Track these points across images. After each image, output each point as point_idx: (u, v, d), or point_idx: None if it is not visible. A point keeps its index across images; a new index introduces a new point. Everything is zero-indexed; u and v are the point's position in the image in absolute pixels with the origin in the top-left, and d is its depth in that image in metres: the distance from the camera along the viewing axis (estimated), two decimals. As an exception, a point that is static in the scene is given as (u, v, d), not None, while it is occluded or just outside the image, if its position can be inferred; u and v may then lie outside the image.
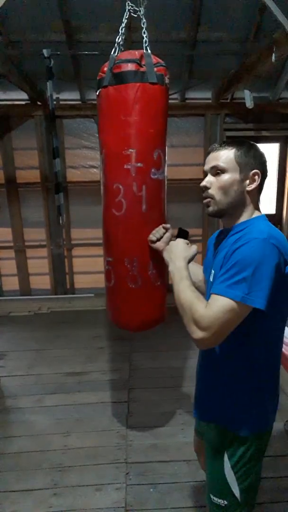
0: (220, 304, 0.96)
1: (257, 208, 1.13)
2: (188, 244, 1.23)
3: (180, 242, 1.23)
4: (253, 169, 1.10)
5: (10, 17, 2.88)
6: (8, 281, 4.30)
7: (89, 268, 4.29)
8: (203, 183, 1.13)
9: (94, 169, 4.06)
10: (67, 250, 4.25)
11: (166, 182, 1.84)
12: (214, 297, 0.98)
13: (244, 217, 1.11)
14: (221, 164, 1.09)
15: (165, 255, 1.25)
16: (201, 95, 3.88)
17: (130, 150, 1.67)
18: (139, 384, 2.74)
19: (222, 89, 3.56)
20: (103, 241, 1.93)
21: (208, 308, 0.98)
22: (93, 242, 4.19)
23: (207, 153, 1.15)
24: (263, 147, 1.08)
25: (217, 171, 1.10)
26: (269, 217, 1.11)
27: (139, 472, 2.00)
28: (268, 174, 1.14)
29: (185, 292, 1.05)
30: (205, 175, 1.15)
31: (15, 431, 2.32)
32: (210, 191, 1.11)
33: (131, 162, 1.69)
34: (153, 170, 1.74)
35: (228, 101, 3.93)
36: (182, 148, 3.99)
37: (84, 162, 4.04)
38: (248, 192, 1.10)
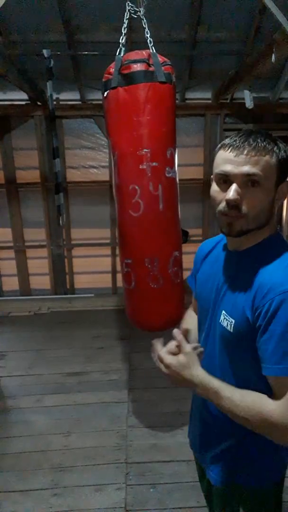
0: None
1: (273, 222, 0.90)
2: (178, 353, 0.92)
3: (173, 360, 0.91)
4: (286, 178, 0.86)
5: (10, 17, 2.87)
6: (8, 281, 4.30)
7: (89, 268, 4.29)
8: (233, 195, 0.80)
9: (94, 169, 4.06)
10: (67, 250, 4.24)
11: (178, 179, 1.84)
12: (278, 381, 0.78)
13: (259, 238, 0.88)
14: (261, 173, 0.80)
15: (175, 382, 0.92)
16: (201, 95, 3.88)
17: (145, 150, 1.68)
18: (139, 384, 2.74)
19: (222, 89, 3.56)
20: (119, 244, 1.93)
21: (283, 401, 0.77)
22: (93, 242, 4.19)
23: (226, 146, 0.83)
24: None
25: (254, 181, 0.81)
26: None
27: (139, 472, 2.00)
28: None
29: (235, 405, 0.82)
30: (222, 179, 0.84)
31: (15, 431, 2.32)
32: (243, 207, 0.82)
33: (147, 162, 1.69)
34: (167, 168, 1.75)
35: (228, 101, 3.93)
36: (182, 148, 3.97)
37: (84, 162, 4.04)
38: (274, 208, 0.87)
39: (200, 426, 1.06)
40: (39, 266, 4.24)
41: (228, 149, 0.82)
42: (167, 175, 1.74)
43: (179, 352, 0.91)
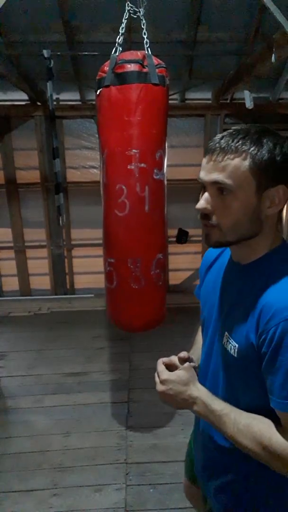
0: None
1: (277, 233, 0.79)
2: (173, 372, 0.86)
3: (171, 376, 0.85)
4: (279, 183, 0.73)
5: (10, 17, 2.88)
6: (8, 281, 4.30)
7: (89, 268, 4.29)
8: (200, 205, 0.76)
9: (94, 169, 4.06)
10: (67, 250, 4.24)
11: (166, 182, 1.85)
12: (286, 417, 0.71)
13: (261, 250, 0.79)
14: (228, 181, 0.71)
15: (170, 402, 0.87)
16: (201, 95, 3.87)
17: (134, 150, 1.68)
18: (139, 384, 2.73)
19: (222, 90, 3.56)
20: (103, 242, 1.93)
21: None
22: (93, 242, 4.19)
23: (205, 151, 0.77)
24: None
25: (222, 189, 0.73)
26: None
27: (139, 472, 2.00)
28: None
29: (239, 432, 0.75)
30: (202, 186, 0.77)
31: (15, 431, 2.32)
32: (213, 218, 0.76)
33: (135, 162, 1.69)
34: (155, 170, 1.74)
35: (228, 101, 3.93)
36: (182, 148, 3.99)
37: (84, 163, 4.04)
38: (268, 216, 0.75)
39: (203, 455, 0.98)
40: (39, 266, 4.24)
41: (205, 153, 0.76)
42: (155, 177, 1.74)
43: (176, 368, 0.86)
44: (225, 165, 0.71)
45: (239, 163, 0.71)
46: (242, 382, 0.80)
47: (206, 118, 3.91)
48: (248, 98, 3.08)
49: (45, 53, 2.89)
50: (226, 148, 0.72)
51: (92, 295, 4.27)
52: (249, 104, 3.09)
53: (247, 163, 0.71)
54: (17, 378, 2.88)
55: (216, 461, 0.92)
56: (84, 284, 4.34)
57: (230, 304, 0.83)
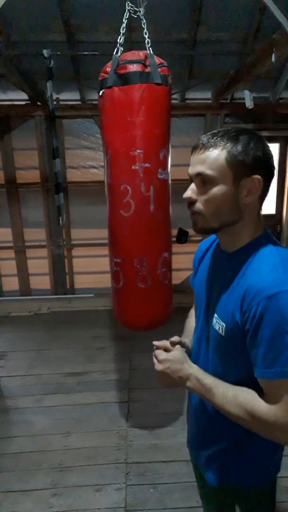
0: (284, 391, 0.77)
1: (258, 224, 0.87)
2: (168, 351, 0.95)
3: (168, 355, 0.94)
4: (253, 173, 0.81)
5: (10, 17, 2.88)
6: (8, 281, 4.30)
7: (89, 268, 4.29)
8: (186, 194, 0.85)
9: (94, 169, 4.06)
10: (67, 250, 4.25)
11: (170, 181, 1.85)
12: (270, 384, 0.79)
13: (244, 238, 0.87)
14: (208, 172, 0.81)
15: (166, 381, 0.94)
16: (201, 95, 3.88)
17: (138, 150, 1.68)
18: (139, 384, 2.73)
19: (222, 89, 3.56)
20: (109, 242, 1.93)
21: (273, 404, 0.78)
22: (93, 242, 4.19)
23: (191, 149, 0.87)
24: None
25: (203, 179, 0.83)
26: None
27: (139, 472, 2.00)
28: (274, 172, 0.87)
29: (227, 402, 0.84)
30: (190, 180, 0.87)
31: (15, 431, 2.32)
32: (196, 205, 0.85)
33: (139, 162, 1.69)
34: (160, 170, 1.75)
35: (228, 101, 3.93)
36: (182, 148, 3.98)
37: (84, 162, 4.04)
38: (246, 205, 0.84)
39: (196, 426, 1.06)
40: (39, 266, 4.24)
41: (192, 150, 0.87)
42: (159, 176, 1.75)
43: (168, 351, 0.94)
44: (205, 158, 0.82)
45: (217, 155, 0.81)
46: (230, 359, 0.88)
47: (206, 118, 3.91)
48: (248, 98, 3.08)
49: (45, 53, 2.89)
50: (206, 143, 0.83)
51: (92, 295, 4.27)
52: (249, 104, 3.09)
53: (223, 155, 0.81)
54: (17, 378, 2.88)
55: (207, 431, 1.01)
56: (84, 284, 4.34)
57: (219, 289, 0.91)
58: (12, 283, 4.29)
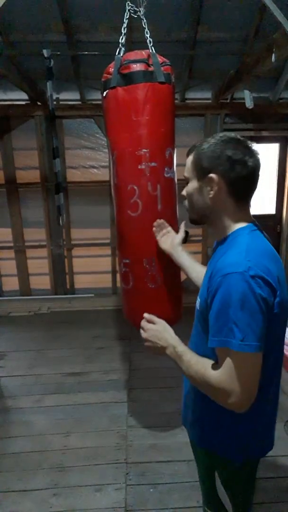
0: (225, 358, 0.87)
1: (237, 217, 0.97)
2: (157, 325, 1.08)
3: (152, 326, 1.07)
4: (209, 173, 0.94)
5: (10, 17, 2.88)
6: (8, 281, 4.30)
7: (89, 268, 4.29)
8: (182, 192, 1.08)
9: (94, 169, 4.06)
10: (67, 250, 4.25)
11: (176, 180, 1.85)
12: (217, 352, 0.91)
13: (225, 229, 0.98)
14: (185, 174, 1.03)
15: (151, 349, 1.07)
16: (201, 95, 3.88)
17: (144, 150, 1.68)
18: (139, 384, 2.74)
19: (222, 89, 3.56)
20: (117, 244, 1.93)
21: (219, 369, 0.89)
22: (93, 242, 4.19)
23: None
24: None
25: (186, 181, 1.04)
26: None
27: (139, 472, 2.00)
28: (243, 174, 0.93)
29: (190, 367, 0.96)
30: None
31: (15, 431, 2.32)
32: (185, 201, 1.07)
33: (145, 162, 1.69)
34: (166, 169, 1.75)
35: (228, 101, 3.93)
36: (182, 148, 3.96)
37: (84, 162, 4.04)
38: (212, 200, 0.96)
39: (185, 387, 1.20)
40: (39, 266, 4.24)
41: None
42: (165, 175, 1.75)
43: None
44: (187, 162, 1.02)
45: (189, 159, 1.01)
46: (201, 332, 1.01)
47: (206, 117, 3.91)
48: (248, 98, 3.08)
49: (45, 53, 2.89)
50: (189, 150, 1.03)
51: (92, 295, 4.27)
52: (249, 104, 3.09)
53: (191, 159, 1.00)
54: (17, 378, 2.88)
55: (189, 395, 1.16)
56: (84, 284, 4.34)
57: (206, 272, 1.03)
58: (12, 283, 4.29)
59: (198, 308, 1.02)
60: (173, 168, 1.81)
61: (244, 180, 0.94)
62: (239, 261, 0.87)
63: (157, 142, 1.70)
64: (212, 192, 0.96)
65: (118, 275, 4.16)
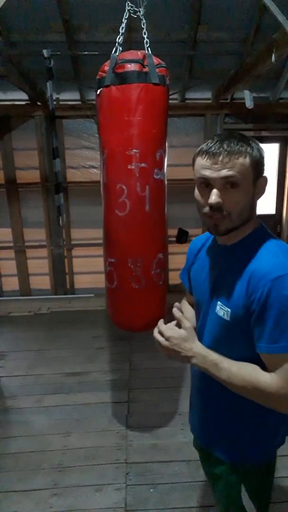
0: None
1: (255, 217, 0.97)
2: (172, 328, 1.01)
3: (174, 333, 0.99)
4: (263, 174, 0.93)
5: (10, 17, 2.88)
6: (8, 281, 4.30)
7: (89, 268, 4.29)
8: (215, 199, 0.87)
9: (94, 169, 4.06)
10: (67, 250, 4.25)
11: (166, 182, 1.84)
12: (275, 358, 0.86)
13: (246, 231, 0.95)
14: (238, 175, 0.86)
15: (172, 355, 0.99)
16: (201, 95, 3.88)
17: (134, 150, 1.68)
18: (139, 384, 2.73)
19: (222, 89, 3.56)
20: (104, 242, 1.93)
21: (276, 375, 0.85)
22: (93, 242, 4.19)
23: (203, 153, 0.90)
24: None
25: (232, 183, 0.87)
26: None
27: (139, 472, 2.00)
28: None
29: (232, 375, 0.90)
30: (203, 184, 0.90)
31: (15, 431, 2.32)
32: (225, 208, 0.88)
33: (135, 162, 1.69)
34: (156, 170, 1.74)
35: (228, 101, 3.93)
36: (182, 148, 3.99)
37: (84, 162, 4.04)
38: (255, 202, 0.95)
39: (202, 406, 1.11)
40: (39, 266, 4.24)
41: (205, 156, 0.89)
42: (155, 176, 1.74)
43: (179, 328, 1.00)
44: (233, 163, 0.86)
45: (243, 161, 0.87)
46: (234, 341, 0.95)
47: (206, 118, 3.91)
48: (248, 98, 3.08)
49: (45, 53, 2.90)
50: (231, 150, 0.87)
51: (92, 295, 4.27)
52: (249, 104, 3.09)
53: (248, 160, 0.88)
54: (17, 378, 2.88)
55: (214, 409, 1.06)
56: (84, 284, 4.34)
57: (219, 280, 0.98)
58: (12, 283, 4.29)
59: (227, 318, 0.93)
60: (163, 170, 1.80)
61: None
62: (282, 262, 0.86)
63: (148, 143, 1.70)
64: (259, 194, 0.93)
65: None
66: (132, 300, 1.82)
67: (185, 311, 1.19)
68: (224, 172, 0.86)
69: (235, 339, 0.94)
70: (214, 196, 0.87)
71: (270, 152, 4.14)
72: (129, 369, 2.95)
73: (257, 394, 0.88)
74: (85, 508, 1.81)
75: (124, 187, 1.70)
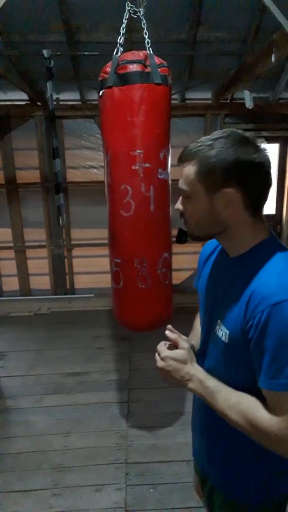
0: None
1: (256, 229, 0.83)
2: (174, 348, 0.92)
3: (171, 353, 0.90)
4: (225, 186, 0.77)
5: (10, 17, 2.87)
6: (8, 281, 4.30)
7: (89, 268, 4.29)
8: (176, 206, 0.87)
9: (94, 169, 4.06)
10: (67, 250, 4.24)
11: (170, 181, 1.85)
12: (274, 396, 0.76)
13: (245, 243, 0.83)
14: (184, 187, 0.82)
15: (168, 378, 0.92)
16: (201, 95, 3.87)
17: (138, 151, 1.69)
18: (139, 384, 2.74)
19: (222, 89, 3.56)
20: (109, 243, 1.94)
21: (276, 415, 0.75)
22: (93, 242, 4.19)
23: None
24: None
25: (183, 194, 0.83)
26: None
27: (139, 472, 2.00)
28: (260, 180, 0.79)
29: (229, 407, 0.81)
30: None
31: (15, 431, 2.32)
32: (184, 216, 0.86)
33: (139, 162, 1.70)
34: (160, 170, 1.75)
35: (228, 101, 3.93)
36: (182, 148, 3.99)
37: (84, 163, 4.04)
38: (229, 217, 0.80)
39: (201, 431, 1.03)
40: (39, 266, 4.24)
41: None
42: (159, 176, 1.75)
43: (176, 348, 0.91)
44: (182, 171, 0.81)
45: (189, 170, 0.79)
46: (232, 367, 0.85)
47: (206, 118, 3.91)
48: (248, 98, 3.07)
49: (45, 53, 2.89)
50: (183, 155, 0.81)
51: (92, 295, 4.27)
52: (249, 104, 3.09)
53: (194, 169, 0.78)
54: (17, 378, 2.88)
55: (212, 435, 0.97)
56: (84, 284, 4.34)
57: (222, 294, 0.88)
58: (12, 283, 4.29)
59: (225, 341, 0.83)
60: (167, 170, 1.81)
61: (261, 187, 0.79)
62: (286, 285, 0.73)
63: (151, 143, 1.70)
64: (229, 209, 0.79)
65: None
66: (139, 300, 1.83)
67: (195, 329, 1.11)
68: (179, 182, 0.83)
69: (234, 365, 0.85)
70: (177, 203, 0.86)
71: (270, 152, 4.14)
72: (129, 369, 2.95)
73: (254, 433, 0.79)
74: (85, 508, 1.81)
75: (128, 187, 1.71)
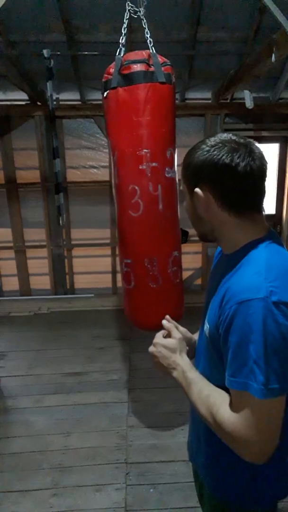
0: (245, 403, 0.73)
1: (244, 229, 0.81)
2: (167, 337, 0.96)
3: (162, 341, 0.95)
4: (196, 186, 0.81)
5: (10, 17, 2.87)
6: (8, 281, 4.30)
7: (89, 268, 4.29)
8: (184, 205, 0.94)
9: (94, 169, 4.06)
10: (67, 250, 4.24)
11: (177, 180, 1.85)
12: (233, 393, 0.76)
13: (237, 242, 0.82)
14: (181, 188, 0.90)
15: (156, 365, 0.96)
16: (201, 95, 3.88)
17: (145, 150, 1.69)
18: (139, 384, 2.74)
19: (222, 89, 3.56)
20: (119, 244, 1.94)
21: (233, 414, 0.75)
22: (93, 242, 4.19)
23: None
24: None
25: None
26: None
27: (139, 472, 2.00)
28: (235, 182, 0.77)
29: (199, 399, 0.83)
30: None
31: (15, 431, 2.32)
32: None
33: (146, 162, 1.70)
34: (167, 169, 1.75)
35: (228, 101, 3.93)
36: (182, 148, 3.95)
37: (84, 163, 4.04)
38: (207, 215, 0.82)
39: (194, 424, 1.04)
40: (39, 266, 4.24)
41: None
42: (166, 175, 1.75)
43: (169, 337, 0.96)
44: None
45: (183, 168, 0.86)
46: (212, 362, 0.87)
47: (206, 118, 3.91)
48: (248, 98, 3.08)
49: (45, 53, 2.90)
50: (185, 159, 0.86)
51: (92, 295, 4.27)
52: (249, 104, 3.09)
53: (184, 167, 0.85)
54: (17, 378, 2.88)
55: (201, 432, 0.97)
56: (84, 284, 4.34)
57: (213, 291, 0.89)
58: (12, 283, 4.29)
59: (207, 334, 0.85)
60: (174, 168, 1.81)
61: (236, 189, 0.78)
62: (258, 284, 0.72)
63: (158, 142, 1.70)
64: (204, 209, 0.82)
65: (118, 275, 4.16)
66: (150, 300, 1.83)
67: None
68: None
69: (213, 360, 0.85)
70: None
71: (270, 152, 4.14)
72: (129, 369, 2.95)
73: (216, 428, 0.79)
74: (85, 508, 1.81)
75: (136, 187, 1.71)
